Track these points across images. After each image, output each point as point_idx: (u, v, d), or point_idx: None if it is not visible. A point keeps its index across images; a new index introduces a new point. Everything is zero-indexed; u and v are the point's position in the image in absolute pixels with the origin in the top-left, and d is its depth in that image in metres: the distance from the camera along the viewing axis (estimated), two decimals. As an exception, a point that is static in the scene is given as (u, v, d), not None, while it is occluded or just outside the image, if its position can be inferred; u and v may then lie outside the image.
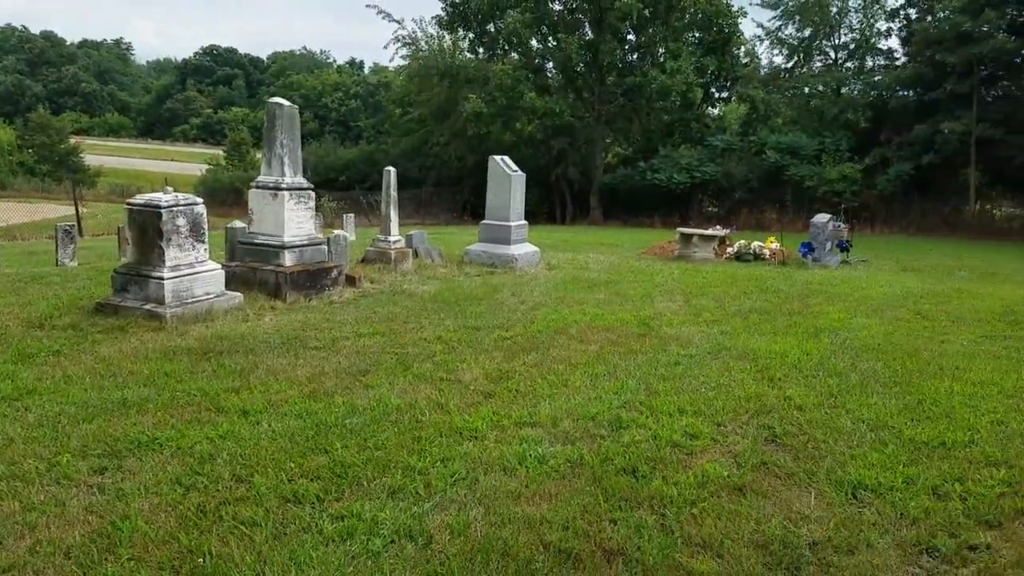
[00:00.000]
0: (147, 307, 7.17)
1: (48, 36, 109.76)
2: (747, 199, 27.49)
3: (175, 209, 7.37)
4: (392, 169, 11.11)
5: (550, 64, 29.98)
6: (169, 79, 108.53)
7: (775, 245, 14.51)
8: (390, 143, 35.27)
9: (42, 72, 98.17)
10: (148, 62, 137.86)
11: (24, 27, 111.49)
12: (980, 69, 23.40)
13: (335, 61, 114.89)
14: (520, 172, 11.86)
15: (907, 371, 5.73)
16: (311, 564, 2.89)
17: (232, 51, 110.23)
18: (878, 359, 6.10)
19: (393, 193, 10.91)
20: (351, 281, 9.09)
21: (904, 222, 24.87)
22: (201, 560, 2.91)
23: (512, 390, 5.04)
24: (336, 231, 10.69)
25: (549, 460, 3.85)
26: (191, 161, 56.20)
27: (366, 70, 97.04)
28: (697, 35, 29.39)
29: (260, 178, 8.69)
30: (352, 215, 17.92)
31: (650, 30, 28.37)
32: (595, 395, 4.94)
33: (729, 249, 14.35)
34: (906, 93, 26.66)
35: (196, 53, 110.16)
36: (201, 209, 7.64)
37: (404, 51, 31.52)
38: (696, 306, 8.55)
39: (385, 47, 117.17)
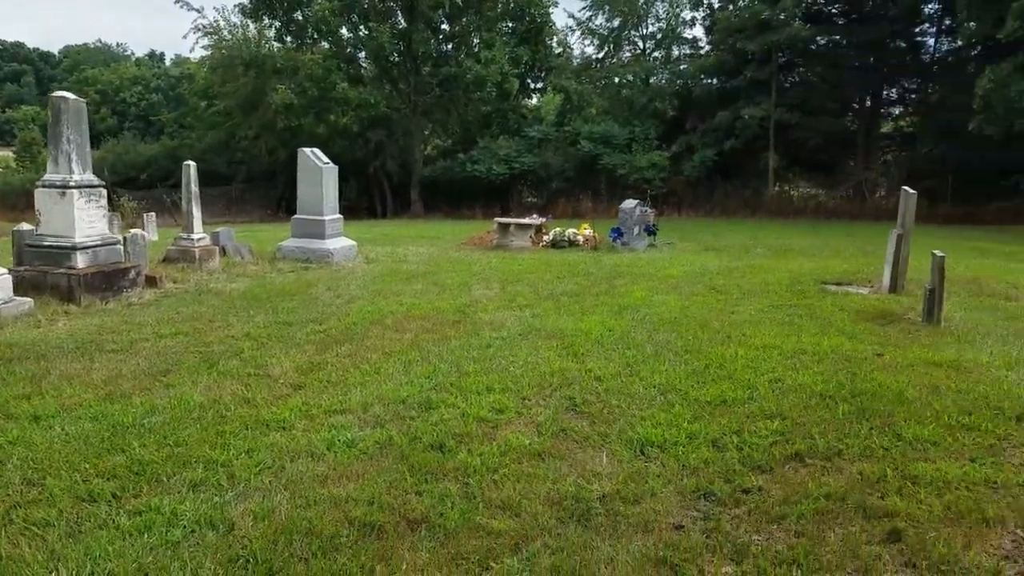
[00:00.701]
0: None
1: None
2: (564, 188, 28.65)
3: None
4: (192, 164, 10.57)
5: (363, 54, 29.43)
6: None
7: (588, 231, 15.33)
8: (194, 137, 33.18)
9: None
10: None
11: None
12: (778, 56, 25.51)
13: (133, 54, 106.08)
14: (332, 164, 11.69)
15: (698, 340, 6.33)
16: (107, 558, 2.86)
17: (20, 45, 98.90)
18: (673, 331, 6.69)
19: (194, 188, 10.37)
20: (152, 282, 8.59)
21: (709, 205, 26.70)
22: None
23: (323, 381, 5.07)
24: (134, 230, 9.99)
25: (358, 443, 3.95)
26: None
27: (167, 62, 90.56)
28: (510, 25, 30.03)
29: (47, 176, 8.05)
30: (154, 214, 16.80)
31: (464, 19, 28.69)
32: (407, 380, 5.08)
33: (545, 237, 15.00)
34: (710, 81, 28.42)
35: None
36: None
37: (205, 41, 29.77)
38: (511, 292, 8.91)
39: (184, 37, 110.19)
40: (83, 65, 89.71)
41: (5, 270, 7.31)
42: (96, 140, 56.32)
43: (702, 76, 28.25)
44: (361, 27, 28.51)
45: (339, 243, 11.67)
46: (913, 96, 28.38)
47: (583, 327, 6.81)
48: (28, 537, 2.97)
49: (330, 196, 11.55)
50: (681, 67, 29.67)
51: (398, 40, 28.01)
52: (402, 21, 28.38)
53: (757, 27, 24.76)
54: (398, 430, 4.16)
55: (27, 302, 7.33)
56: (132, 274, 8.28)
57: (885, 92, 28.17)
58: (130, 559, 2.84)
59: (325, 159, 11.56)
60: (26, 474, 3.54)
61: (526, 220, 15.43)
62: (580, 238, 14.93)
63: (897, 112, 29.57)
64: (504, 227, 14.89)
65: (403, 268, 11.03)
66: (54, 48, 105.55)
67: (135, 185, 28.66)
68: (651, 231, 15.74)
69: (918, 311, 7.14)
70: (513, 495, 3.42)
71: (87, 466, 3.62)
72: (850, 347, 5.98)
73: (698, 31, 30.72)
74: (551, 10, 30.24)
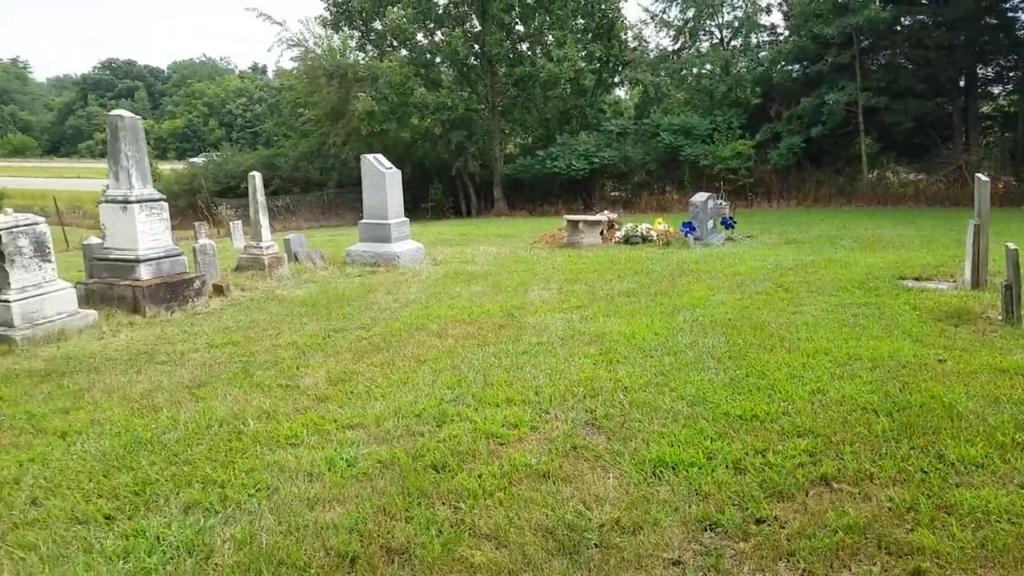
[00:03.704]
0: (-3, 331, 6.81)
1: None
2: (647, 181, 27.94)
3: (15, 230, 7.06)
4: (257, 174, 10.81)
5: (439, 59, 29.73)
6: (71, 95, 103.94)
7: (662, 226, 14.79)
8: (288, 146, 34.36)
9: None
10: (48, 79, 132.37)
11: None
12: (860, 39, 24.05)
13: (236, 67, 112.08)
14: (395, 169, 11.71)
15: (746, 345, 5.88)
16: (79, 587, 2.80)
17: (132, 63, 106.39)
18: (723, 334, 6.26)
19: (261, 198, 10.60)
20: (219, 290, 8.82)
21: (800, 195, 25.34)
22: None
23: (348, 392, 4.99)
24: (202, 240, 10.33)
25: (359, 462, 3.82)
26: (98, 177, 53.72)
27: (269, 74, 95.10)
28: (581, 22, 29.59)
29: (108, 192, 8.41)
30: (239, 222, 17.43)
31: (535, 19, 28.47)
32: (430, 391, 4.93)
33: (617, 233, 14.57)
34: (791, 68, 27.11)
35: (95, 67, 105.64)
36: (44, 228, 7.33)
37: (291, 52, 30.78)
38: (567, 292, 8.65)
39: (269, 50, 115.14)
40: (190, 79, 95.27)
41: (70, 284, 7.66)
42: (202, 151, 59.37)
43: (782, 63, 26.89)
44: (437, 32, 28.76)
45: (405, 246, 11.69)
46: (1012, 74, 25.97)
47: (628, 330, 6.48)
48: (13, 561, 2.99)
49: (394, 200, 11.58)
50: (761, 54, 28.37)
51: (472, 43, 28.10)
52: (476, 24, 28.45)
53: (834, 11, 23.33)
54: (404, 447, 4.00)
55: (92, 314, 7.62)
56: (197, 284, 8.53)
57: (980, 71, 25.91)
58: (101, 587, 2.80)
59: (388, 164, 11.61)
60: (34, 493, 3.59)
61: (595, 216, 15.04)
62: (653, 233, 14.41)
63: (997, 92, 27.17)
64: (574, 224, 14.57)
65: (467, 269, 10.94)
66: (163, 64, 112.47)
67: (235, 194, 29.91)
68: (728, 224, 15.03)
69: (999, 309, 6.39)
70: (503, 523, 3.19)
71: (92, 486, 3.64)
72: (911, 352, 5.39)
73: (776, 17, 29.18)
74: (621, 5, 29.60)
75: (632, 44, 30.66)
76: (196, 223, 15.61)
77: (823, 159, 25.58)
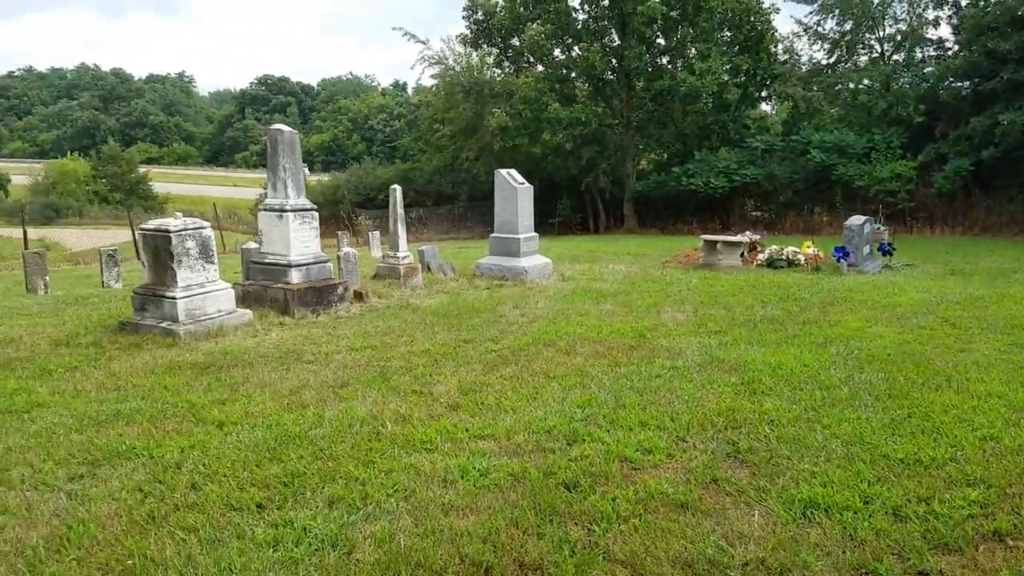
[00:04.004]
0: (163, 325, 7.53)
1: (118, 73, 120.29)
2: (794, 202, 26.73)
3: (184, 233, 7.71)
4: (398, 187, 11.39)
5: (575, 73, 30.03)
6: (230, 109, 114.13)
7: (811, 250, 14.10)
8: (424, 160, 35.87)
9: (114, 107, 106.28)
10: (210, 93, 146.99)
11: (96, 65, 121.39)
12: None
13: (379, 84, 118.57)
14: (527, 185, 11.91)
15: (908, 383, 5.49)
16: (234, 569, 3.02)
17: (285, 80, 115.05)
18: (880, 370, 5.87)
19: (400, 211, 11.12)
20: (359, 297, 9.30)
21: (967, 222, 23.43)
22: (130, 562, 3.05)
23: (479, 403, 5.09)
24: (345, 249, 10.93)
25: (491, 473, 3.88)
26: (251, 186, 58.49)
27: (409, 91, 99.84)
28: (728, 34, 28.92)
29: (267, 201, 9.09)
30: (378, 232, 18.40)
31: (679, 32, 28.15)
32: (559, 408, 4.93)
33: (759, 256, 14.04)
34: (960, 84, 25.18)
35: (252, 83, 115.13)
36: (209, 232, 7.99)
37: (432, 70, 32.14)
38: (703, 316, 8.42)
39: (412, 68, 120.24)
40: (337, 96, 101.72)
41: (228, 285, 8.31)
42: (345, 164, 62.97)
43: (950, 79, 24.93)
44: (574, 48, 29.10)
45: (533, 261, 11.84)
46: None
47: (773, 360, 6.20)
48: (175, 541, 3.25)
49: (525, 215, 11.78)
50: (926, 70, 26.48)
51: (610, 58, 28.20)
52: (615, 38, 28.53)
53: (1012, 24, 21.45)
54: (535, 463, 4.03)
55: (247, 314, 8.24)
56: (340, 290, 9.04)
57: None
58: (253, 571, 2.99)
59: (520, 179, 11.83)
60: (193, 478, 3.89)
61: (735, 237, 14.58)
62: (801, 257, 13.77)
63: None
64: (711, 244, 14.19)
65: (596, 287, 10.90)
66: (313, 80, 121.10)
67: (373, 205, 31.63)
68: (885, 251, 14.13)
69: None
70: (639, 550, 3.13)
71: (246, 474, 3.91)
72: (1105, 403, 4.83)
73: (944, 31, 27.16)
74: (772, 17, 28.66)
75: (782, 57, 29.62)
76: (339, 232, 16.59)
77: (994, 184, 23.48)
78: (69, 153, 70.85)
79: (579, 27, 28.79)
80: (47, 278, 12.37)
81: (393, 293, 10.00)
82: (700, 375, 5.79)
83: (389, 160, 52.12)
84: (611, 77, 29.33)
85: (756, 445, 4.28)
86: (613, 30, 28.72)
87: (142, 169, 60.43)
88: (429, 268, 11.62)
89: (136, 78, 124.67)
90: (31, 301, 10.62)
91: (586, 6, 28.82)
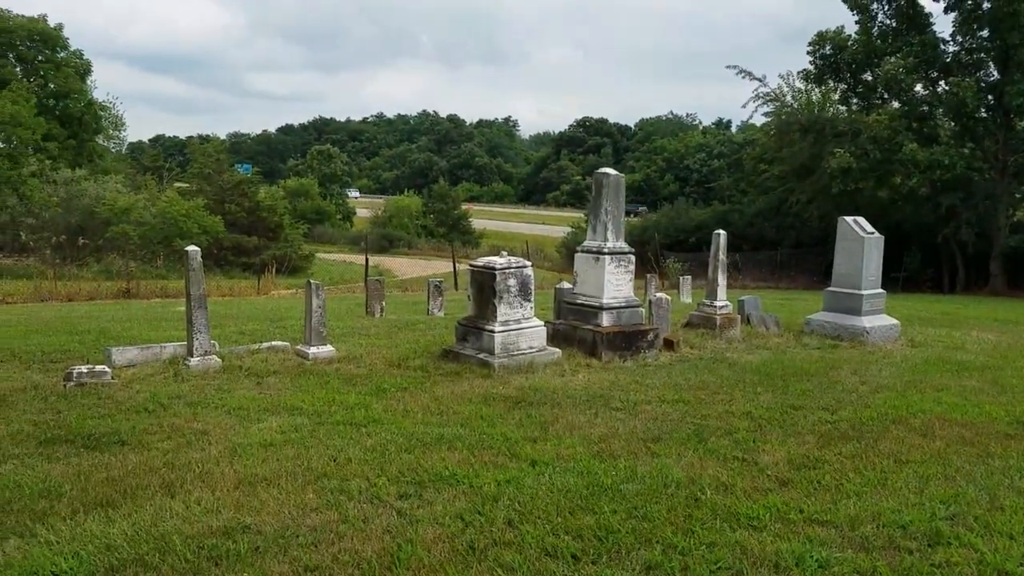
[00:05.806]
0: (480, 356, 8.20)
1: (452, 119, 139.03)
2: None
3: (507, 271, 8.34)
4: (723, 233, 11.14)
5: (939, 111, 27.16)
6: (547, 151, 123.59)
7: None
8: (745, 202, 34.94)
9: (446, 149, 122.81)
10: (530, 136, 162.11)
11: (435, 112, 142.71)
12: None
13: (700, 123, 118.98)
14: (877, 234, 10.89)
15: None
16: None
17: (603, 121, 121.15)
18: None
19: (722, 257, 10.85)
20: (669, 345, 9.21)
21: None
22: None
23: (814, 481, 4.67)
24: (659, 294, 10.92)
25: (833, 566, 3.51)
26: (559, 224, 62.25)
27: (733, 129, 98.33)
28: None
29: (585, 243, 9.49)
30: (689, 277, 18.16)
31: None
32: (916, 501, 4.33)
33: None
34: None
35: (571, 125, 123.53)
36: (529, 272, 8.55)
37: (766, 108, 31.31)
38: (1111, 408, 6.91)
39: (743, 106, 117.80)
40: (654, 136, 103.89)
41: (541, 322, 8.74)
42: (656, 205, 63.89)
43: None
44: (940, 83, 26.47)
45: (877, 321, 10.77)
46: None
47: None
48: (490, 576, 3.40)
49: (871, 269, 10.79)
50: None
51: (985, 94, 25.12)
52: (993, 72, 25.42)
53: None
54: (887, 561, 3.56)
55: (556, 352, 8.61)
56: (650, 336, 9.05)
57: None
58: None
59: (869, 228, 10.88)
60: (510, 515, 4.07)
61: None
62: None
63: None
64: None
65: (956, 357, 9.56)
66: (631, 121, 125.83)
67: (683, 247, 31.53)
68: None
69: None
70: None
71: (560, 520, 3.99)
72: None
73: None
74: None
75: None
76: (647, 275, 16.74)
77: None
78: (405, 191, 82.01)
79: (947, 60, 26.23)
80: (384, 303, 14.23)
81: (707, 344, 9.76)
82: (1111, 483, 4.72)
83: (704, 201, 51.83)
84: (985, 115, 26.10)
85: None
86: (991, 63, 25.70)
87: (464, 206, 67.79)
88: (748, 320, 11.16)
89: (468, 123, 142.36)
90: (369, 323, 12.28)
91: (959, 37, 26.22)
